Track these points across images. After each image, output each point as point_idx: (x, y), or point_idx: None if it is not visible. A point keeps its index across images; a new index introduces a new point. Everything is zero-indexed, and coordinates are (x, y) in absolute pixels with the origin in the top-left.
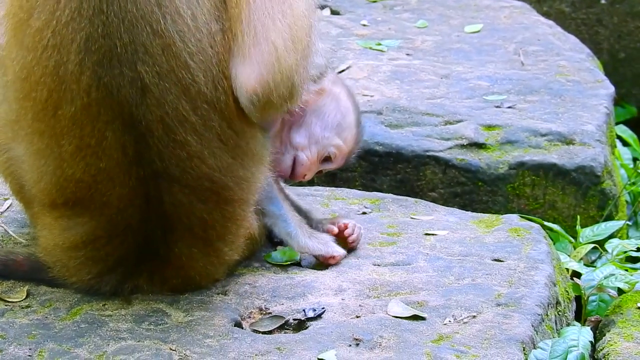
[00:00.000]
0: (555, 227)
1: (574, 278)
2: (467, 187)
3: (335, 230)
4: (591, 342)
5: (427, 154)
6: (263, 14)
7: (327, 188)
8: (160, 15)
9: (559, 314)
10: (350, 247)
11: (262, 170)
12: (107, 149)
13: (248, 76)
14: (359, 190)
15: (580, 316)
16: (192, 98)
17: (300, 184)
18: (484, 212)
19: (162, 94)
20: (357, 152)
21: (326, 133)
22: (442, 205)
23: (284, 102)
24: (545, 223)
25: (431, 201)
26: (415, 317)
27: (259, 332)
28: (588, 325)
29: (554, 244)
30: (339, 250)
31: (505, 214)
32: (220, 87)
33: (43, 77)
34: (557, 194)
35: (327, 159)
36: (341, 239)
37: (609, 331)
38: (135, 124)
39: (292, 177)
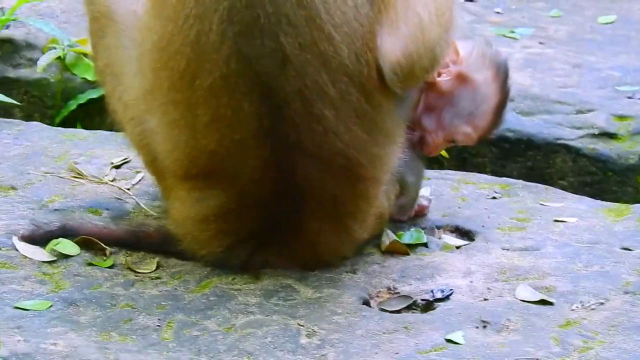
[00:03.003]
0: None
1: None
2: (597, 176)
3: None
4: None
5: (558, 142)
6: None
7: (458, 172)
8: None
9: None
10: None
11: (395, 150)
12: (242, 120)
13: (393, 47)
14: (489, 175)
15: None
16: (333, 71)
17: (431, 167)
18: (613, 202)
19: (303, 65)
20: (493, 135)
21: (455, 121)
22: (571, 193)
23: (425, 74)
24: None
25: (560, 189)
26: (542, 302)
27: (387, 311)
28: None
29: None
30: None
31: (635, 204)
32: (363, 60)
33: (182, 46)
34: None
35: (454, 141)
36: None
37: None
38: (273, 96)
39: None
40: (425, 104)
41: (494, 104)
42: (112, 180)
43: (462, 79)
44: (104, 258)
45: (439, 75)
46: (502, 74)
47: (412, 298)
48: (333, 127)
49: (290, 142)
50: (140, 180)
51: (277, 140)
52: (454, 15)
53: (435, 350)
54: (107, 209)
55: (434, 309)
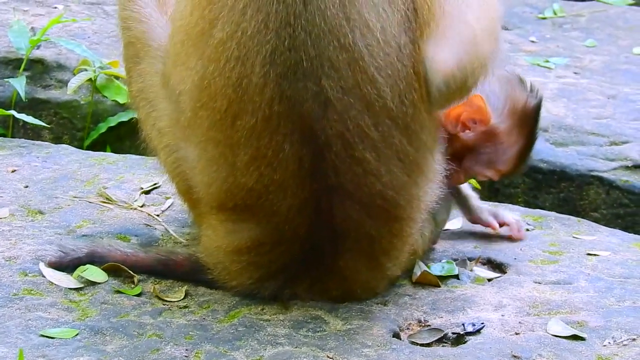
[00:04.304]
0: None
1: None
2: (630, 209)
3: (496, 225)
4: None
5: (591, 173)
6: (458, 2)
7: (490, 203)
8: (348, 29)
9: None
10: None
11: (433, 188)
12: (283, 161)
13: (446, 57)
14: (521, 206)
15: None
16: (376, 113)
17: None
18: None
19: (345, 109)
20: (519, 173)
21: (476, 167)
22: (604, 226)
23: (474, 87)
24: None
25: (593, 221)
26: (574, 337)
27: (417, 344)
28: None
29: None
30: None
31: None
32: (407, 101)
33: (224, 88)
34: None
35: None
36: None
37: None
38: (315, 138)
39: None
40: (449, 147)
41: (517, 151)
42: (141, 206)
43: (486, 134)
44: (132, 285)
45: (464, 130)
46: (529, 123)
47: (442, 331)
48: (374, 169)
49: (329, 184)
50: (169, 207)
51: (316, 182)
52: (500, 36)
53: None
54: (136, 236)
55: (464, 342)
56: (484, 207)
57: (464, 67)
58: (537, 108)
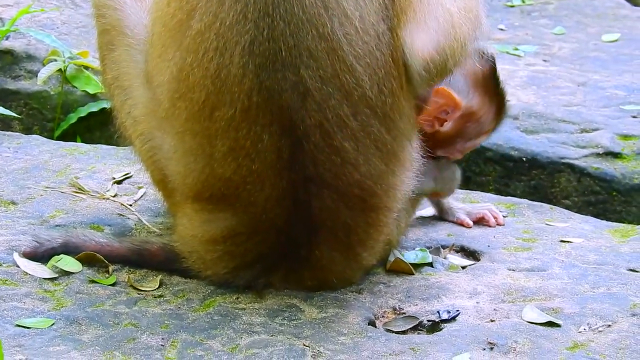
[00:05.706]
0: None
1: None
2: (601, 196)
3: (471, 224)
4: None
5: (562, 161)
6: None
7: (462, 191)
8: (327, 18)
9: None
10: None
11: (410, 177)
12: (261, 151)
13: (424, 43)
14: (493, 194)
15: None
16: (354, 103)
17: None
18: (617, 222)
19: (324, 98)
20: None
21: (468, 144)
22: (576, 213)
23: (454, 69)
24: None
25: (565, 209)
26: (550, 324)
27: (393, 331)
28: None
29: None
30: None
31: None
32: (386, 90)
33: (202, 79)
34: None
35: None
36: None
37: None
38: (293, 129)
39: None
40: (434, 142)
41: (495, 110)
42: (114, 196)
43: (464, 116)
44: (107, 275)
45: (442, 124)
46: (493, 84)
47: (418, 319)
48: (352, 158)
49: (307, 174)
50: (142, 196)
51: (294, 172)
52: (480, 12)
53: None
54: (109, 225)
55: (440, 330)
56: (456, 208)
57: (442, 50)
58: (493, 67)
